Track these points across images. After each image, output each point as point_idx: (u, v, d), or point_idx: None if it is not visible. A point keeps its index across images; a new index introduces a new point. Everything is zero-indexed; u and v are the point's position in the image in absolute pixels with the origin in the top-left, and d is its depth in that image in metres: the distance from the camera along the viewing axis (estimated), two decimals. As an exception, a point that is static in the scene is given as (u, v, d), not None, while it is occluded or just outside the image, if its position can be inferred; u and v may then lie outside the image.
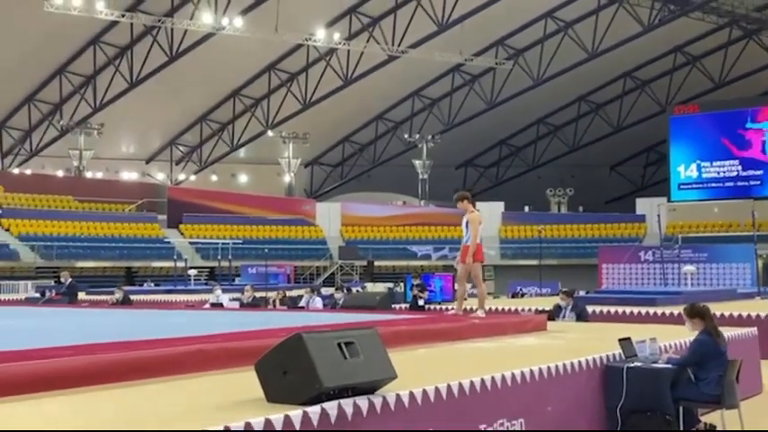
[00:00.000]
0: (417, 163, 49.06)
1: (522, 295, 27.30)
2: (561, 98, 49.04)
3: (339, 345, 5.03)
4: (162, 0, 37.95)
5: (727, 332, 9.25)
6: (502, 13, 40.09)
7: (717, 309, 11.57)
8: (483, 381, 6.05)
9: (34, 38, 37.74)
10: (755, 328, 10.67)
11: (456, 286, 10.60)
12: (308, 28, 40.76)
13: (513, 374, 6.36)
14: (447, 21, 39.50)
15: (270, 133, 47.65)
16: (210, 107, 47.73)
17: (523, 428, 6.28)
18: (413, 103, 50.09)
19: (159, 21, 38.44)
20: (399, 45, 41.36)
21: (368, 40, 41.82)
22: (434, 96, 49.68)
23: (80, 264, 35.81)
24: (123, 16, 37.44)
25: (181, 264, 32.00)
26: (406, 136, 49.72)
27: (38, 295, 21.53)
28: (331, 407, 4.78)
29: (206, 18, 37.86)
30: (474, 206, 10.29)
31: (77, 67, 41.86)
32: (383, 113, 50.91)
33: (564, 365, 6.99)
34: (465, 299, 11.22)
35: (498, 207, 46.12)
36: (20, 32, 36.98)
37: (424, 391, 5.50)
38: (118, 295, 17.62)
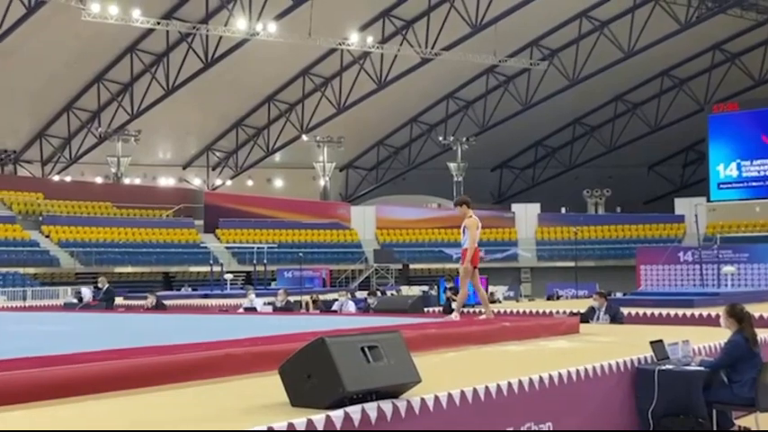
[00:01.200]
0: (452, 165, 48.93)
1: (558, 297, 27.10)
2: (597, 98, 48.61)
3: (362, 349, 5.03)
4: (197, 7, 38.33)
5: (763, 333, 9.12)
6: (536, 13, 39.91)
7: (756, 310, 11.42)
8: (510, 384, 6.02)
9: (72, 47, 38.37)
10: (794, 330, 10.44)
11: (477, 292, 10.62)
12: (342, 32, 40.91)
13: (540, 377, 6.32)
14: (481, 22, 39.38)
15: (304, 138, 47.86)
16: (246, 113, 48.07)
17: (551, 432, 6.24)
18: (447, 106, 49.99)
19: (194, 28, 38.85)
20: (433, 47, 41.33)
21: (401, 43, 41.85)
22: (469, 98, 49.53)
23: (119, 269, 36.26)
24: (159, 24, 37.91)
25: (217, 268, 32.23)
26: (440, 138, 49.63)
27: (75, 300, 21.83)
28: (354, 411, 4.78)
29: (240, 24, 38.17)
30: (471, 211, 10.33)
31: (115, 75, 42.43)
32: (417, 116, 50.88)
33: (594, 368, 6.92)
34: (494, 301, 11.15)
35: (534, 209, 45.88)
36: (58, 42, 37.59)
37: (450, 395, 5.48)
38: (150, 300, 17.80)
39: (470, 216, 10.22)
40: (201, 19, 38.72)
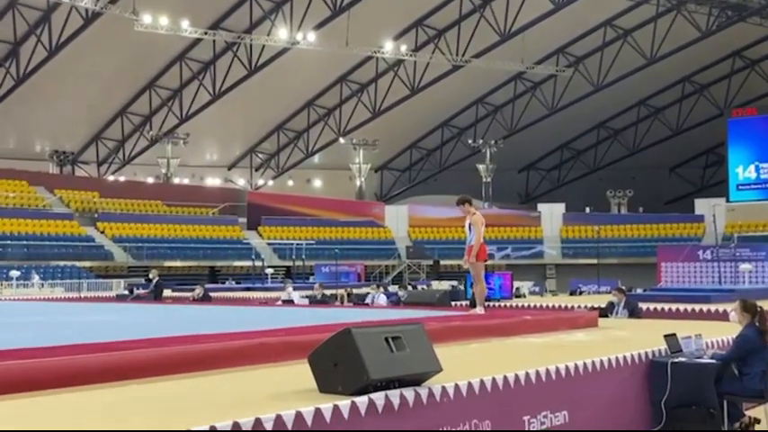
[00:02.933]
0: (481, 167, 48.76)
1: (581, 293, 26.89)
2: (621, 103, 48.15)
3: (386, 339, 5.05)
4: (242, 18, 38.63)
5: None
6: (562, 22, 39.62)
7: (769, 306, 11.23)
8: (528, 374, 5.99)
9: (126, 55, 38.87)
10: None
11: (478, 285, 10.45)
12: (377, 41, 40.98)
13: (557, 368, 6.28)
14: (509, 31, 39.20)
15: (342, 140, 48.02)
16: (287, 117, 48.33)
17: (567, 421, 6.20)
18: (477, 110, 49.84)
19: (239, 37, 39.17)
20: (463, 55, 41.23)
21: (433, 51, 41.81)
22: (497, 103, 49.33)
23: (168, 263, 36.60)
24: (206, 34, 38.28)
25: (259, 263, 32.46)
26: (470, 141, 49.51)
27: (127, 292, 22.12)
28: (378, 397, 4.80)
29: (282, 34, 38.41)
30: (474, 208, 10.20)
31: (165, 82, 42.91)
32: (448, 120, 50.79)
33: (609, 360, 6.87)
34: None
35: (560, 208, 45.57)
36: (113, 51, 38.11)
37: (470, 384, 5.48)
38: (198, 291, 18.00)
39: (474, 213, 10.11)
40: (246, 29, 39.02)
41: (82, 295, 25.76)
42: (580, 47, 43.80)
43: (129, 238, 37.32)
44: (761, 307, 7.50)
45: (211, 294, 19.72)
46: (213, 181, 50.72)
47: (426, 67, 42.83)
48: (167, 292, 21.91)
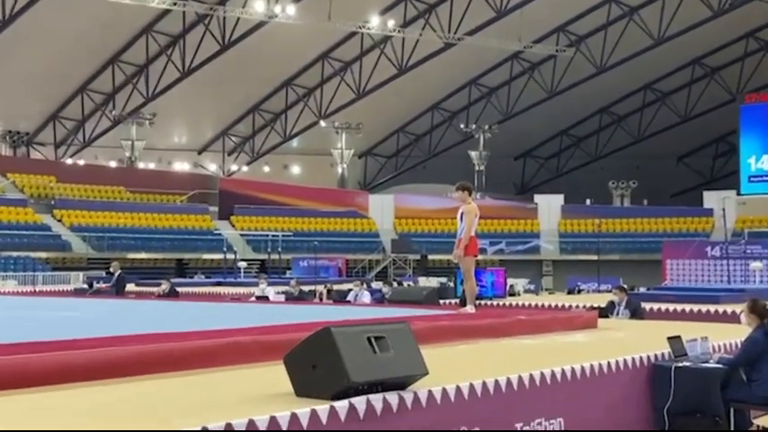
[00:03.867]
0: (474, 154, 48.85)
1: (579, 291, 27.06)
2: (625, 86, 48.34)
3: (369, 339, 5.07)
4: (214, -12, 38.48)
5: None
6: (563, -3, 39.73)
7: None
8: (521, 378, 6.04)
9: (87, 27, 38.56)
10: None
11: (467, 282, 10.48)
12: (362, 15, 40.87)
13: (553, 372, 6.33)
14: (505, 6, 39.26)
15: (323, 123, 47.94)
16: (263, 97, 48.19)
17: (562, 428, 6.26)
18: (470, 93, 49.88)
19: (211, 9, 38.96)
20: (456, 32, 41.22)
21: (423, 28, 41.77)
22: (492, 85, 49.39)
23: (131, 255, 36.52)
24: (175, 4, 38.01)
25: (231, 256, 32.40)
26: (462, 126, 49.56)
27: (86, 286, 22.05)
28: (359, 402, 4.81)
29: (258, 6, 38.24)
30: (471, 198, 10.24)
31: (130, 57, 42.65)
32: (439, 103, 50.81)
33: (609, 364, 6.93)
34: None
35: (558, 200, 45.78)
36: (73, 22, 37.77)
37: (458, 388, 5.51)
38: (164, 287, 17.99)
39: (470, 202, 10.17)
40: (219, 0, 38.81)
41: (37, 289, 25.63)
42: (582, 25, 43.90)
43: (88, 227, 37.15)
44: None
45: (179, 289, 19.69)
46: (182, 166, 50.54)
47: (415, 44, 42.78)
48: (130, 287, 21.86)
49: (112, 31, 40.04)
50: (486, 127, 48.45)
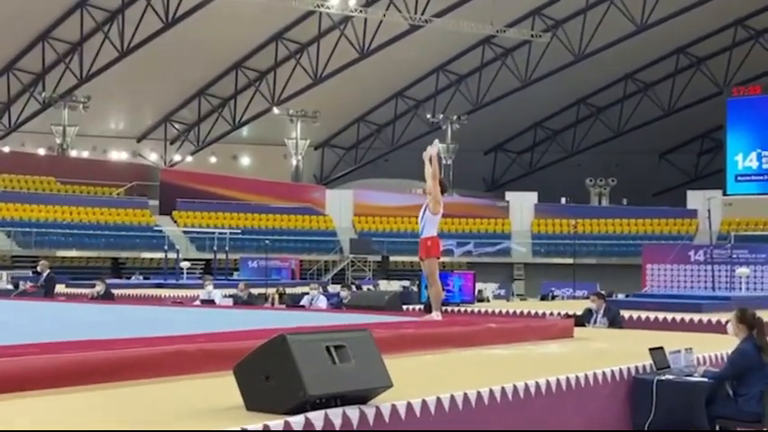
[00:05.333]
0: (441, 147, 48.96)
1: (554, 297, 27.28)
2: (605, 76, 48.84)
3: (327, 348, 5.07)
4: (157, -41, 38.17)
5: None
6: (539, -22, 40.01)
7: (768, 317, 11.56)
8: (492, 391, 6.08)
9: None
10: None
11: (432, 287, 10.56)
12: (321, -7, 40.81)
13: (526, 385, 6.38)
14: (477, -13, 39.43)
15: (276, 111, 47.79)
16: (210, 80, 47.91)
17: (536, 446, 6.31)
18: (437, 80, 50.04)
19: (154, -18, 38.65)
20: (423, 13, 41.31)
21: (387, 8, 41.81)
22: (461, 72, 49.60)
23: (61, 253, 36.14)
24: (114, -23, 37.69)
25: (173, 255, 32.18)
26: (428, 116, 49.71)
27: (11, 287, 21.76)
28: (317, 417, 4.82)
29: (206, -20, 38.00)
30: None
31: (62, 33, 42.13)
32: (403, 90, 50.90)
33: (586, 376, 7.00)
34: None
35: (531, 198, 46.10)
36: (-2, -7, 37.28)
37: (424, 402, 5.53)
38: (99, 288, 17.78)
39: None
40: (162, -28, 38.56)
41: (-45, 289, 25.18)
42: (559, 8, 44.23)
43: (14, 221, 36.69)
44: (760, 318, 7.70)
45: (114, 291, 19.50)
46: (119, 155, 50.10)
47: (378, 26, 42.81)
48: (61, 288, 21.60)
49: (43, 3, 39.53)
50: (455, 117, 48.61)
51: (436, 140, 10.85)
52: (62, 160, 43.95)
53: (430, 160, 10.28)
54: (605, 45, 43.91)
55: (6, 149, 45.16)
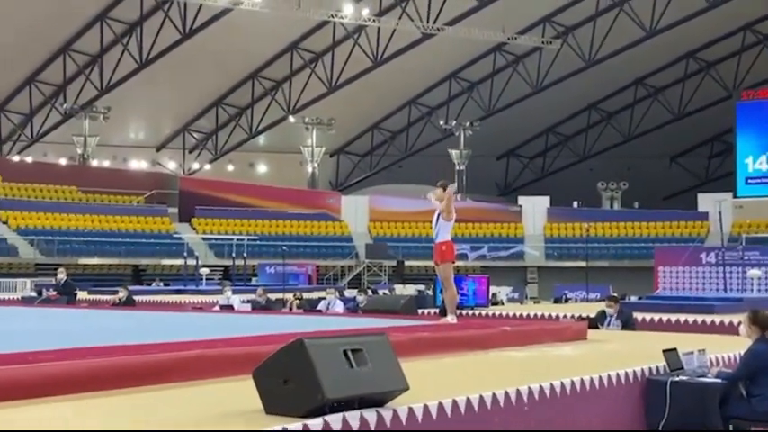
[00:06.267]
0: (454, 153, 49.00)
1: (567, 300, 27.20)
2: (615, 82, 48.71)
3: (345, 352, 5.06)
4: (174, -28, 38.36)
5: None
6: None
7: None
8: (507, 393, 6.05)
9: (36, 13, 38.23)
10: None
11: (447, 290, 10.54)
12: (335, 3, 40.90)
13: (541, 387, 6.35)
14: (488, -5, 39.43)
15: (291, 119, 47.88)
16: (227, 90, 48.07)
17: (552, 447, 6.28)
18: (450, 87, 50.04)
19: (171, -6, 38.82)
20: (435, 22, 41.32)
21: (400, 17, 41.84)
22: (474, 79, 49.57)
23: (83, 260, 36.27)
24: (132, -10, 37.86)
25: (192, 261, 32.21)
26: (441, 123, 49.71)
27: (34, 294, 21.84)
28: (335, 420, 4.80)
29: (222, -8, 38.14)
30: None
31: (83, 46, 42.37)
32: (416, 98, 50.92)
33: (600, 378, 6.96)
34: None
35: (544, 202, 45.98)
36: (21, 7, 37.47)
37: (440, 404, 5.51)
38: (122, 295, 17.86)
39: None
40: (179, -15, 38.74)
41: (-20, 298, 25.32)
42: (570, 15, 44.18)
43: (36, 230, 36.86)
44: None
45: (135, 298, 19.56)
46: (138, 164, 50.29)
47: (392, 35, 42.85)
48: (83, 295, 21.66)
49: (64, 17, 39.78)
50: (467, 124, 48.61)
51: (453, 185, 10.65)
52: (83, 170, 44.13)
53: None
54: (615, 51, 43.82)
55: (29, 160, 45.43)
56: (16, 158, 45.75)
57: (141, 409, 5.20)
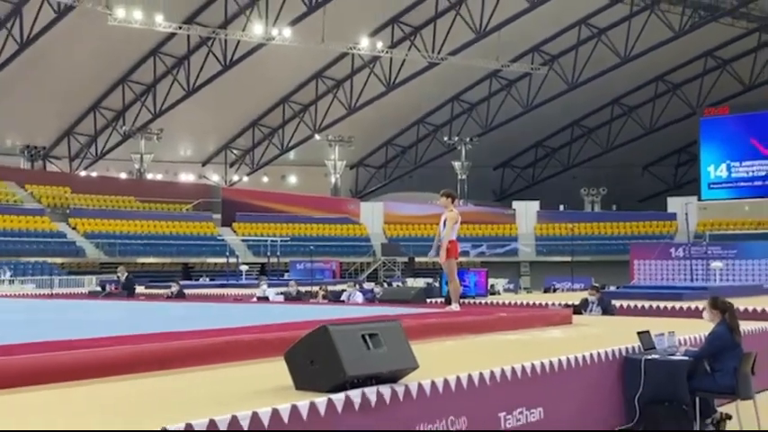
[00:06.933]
0: (456, 164, 48.91)
1: (555, 290, 27.08)
2: (595, 101, 48.50)
3: (363, 336, 5.07)
4: (216, 13, 38.40)
5: (748, 326, 9.12)
6: (537, 20, 39.80)
7: (741, 303, 11.39)
8: (503, 371, 6.03)
9: (99, 49, 38.44)
10: (775, 322, 10.42)
11: (451, 283, 10.51)
12: (353, 37, 40.90)
13: (533, 365, 6.33)
14: (485, 29, 39.33)
15: (317, 137, 47.91)
16: (262, 113, 48.13)
17: (542, 417, 6.25)
18: (452, 108, 49.95)
19: (214, 32, 38.93)
20: (439, 52, 41.29)
21: (409, 48, 41.83)
22: (473, 101, 49.47)
23: (141, 260, 36.40)
24: (180, 28, 37.97)
25: (233, 260, 32.33)
26: (445, 139, 49.63)
27: (99, 289, 21.94)
28: (355, 394, 4.81)
29: (257, 29, 38.20)
30: (453, 206, 10.19)
31: (138, 77, 42.55)
32: (424, 117, 50.85)
33: (584, 357, 6.93)
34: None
35: (534, 206, 45.83)
36: (85, 45, 37.69)
37: (446, 380, 5.51)
38: (174, 289, 17.91)
39: (452, 209, 10.12)
40: (221, 24, 38.79)
41: (53, 292, 25.45)
42: (555, 45, 44.05)
43: (101, 234, 37.00)
44: (731, 304, 7.60)
45: (185, 291, 19.60)
46: (187, 177, 50.40)
47: (402, 63, 42.84)
48: (140, 289, 21.74)
49: (122, 52, 39.95)
50: (468, 139, 48.51)
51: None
52: (140, 182, 44.29)
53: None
54: (595, 75, 43.66)
55: (94, 175, 45.63)
56: (83, 174, 45.93)
57: (190, 387, 5.22)
